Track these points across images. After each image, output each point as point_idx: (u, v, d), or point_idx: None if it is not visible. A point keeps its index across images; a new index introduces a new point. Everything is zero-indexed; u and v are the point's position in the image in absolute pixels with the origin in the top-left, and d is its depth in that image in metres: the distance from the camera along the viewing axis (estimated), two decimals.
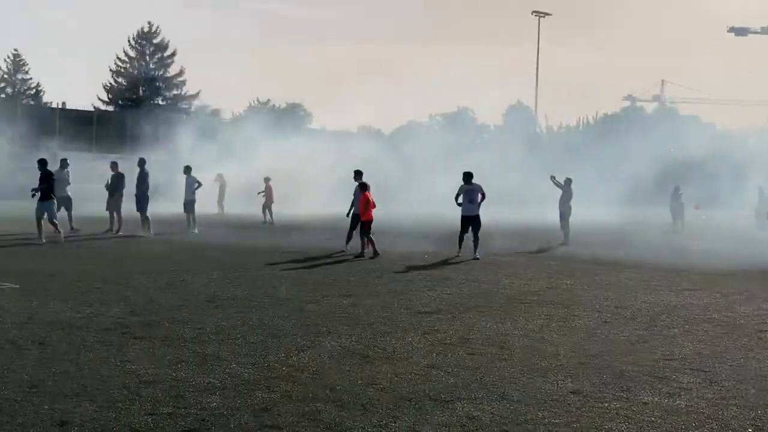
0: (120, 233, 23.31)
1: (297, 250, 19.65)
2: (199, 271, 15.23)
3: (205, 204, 29.83)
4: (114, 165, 25.39)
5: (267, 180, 32.41)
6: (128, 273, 14.57)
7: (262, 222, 30.79)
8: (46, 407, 6.16)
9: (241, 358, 8.03)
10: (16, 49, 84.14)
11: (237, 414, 6.18)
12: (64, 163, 24.91)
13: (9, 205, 32.48)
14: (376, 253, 18.46)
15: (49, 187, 20.48)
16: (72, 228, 23.59)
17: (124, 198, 24.39)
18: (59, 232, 20.31)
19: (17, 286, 12.53)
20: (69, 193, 24.19)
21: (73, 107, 64.68)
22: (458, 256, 18.87)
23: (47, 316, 10.00)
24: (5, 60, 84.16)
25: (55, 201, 20.76)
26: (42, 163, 21.03)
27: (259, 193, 32.49)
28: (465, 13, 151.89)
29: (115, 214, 23.97)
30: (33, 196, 20.86)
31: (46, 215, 20.18)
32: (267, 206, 31.86)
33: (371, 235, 18.87)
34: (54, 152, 55.03)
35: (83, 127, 58.09)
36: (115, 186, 24.48)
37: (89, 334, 9.00)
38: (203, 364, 7.75)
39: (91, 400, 6.39)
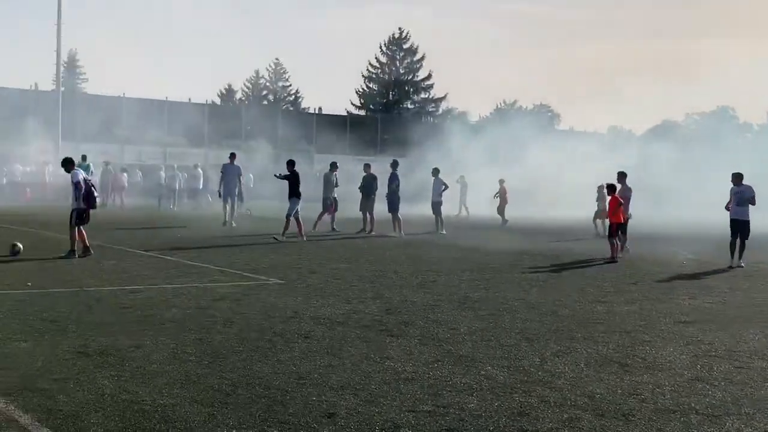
0: (372, 233, 24.14)
1: (545, 254, 19.45)
2: (449, 272, 15.46)
3: (450, 206, 30.27)
4: (367, 167, 26.35)
5: (501, 182, 32.58)
6: (382, 272, 15.05)
7: (500, 224, 30.82)
8: (314, 398, 6.45)
9: (496, 361, 8.03)
10: (277, 58, 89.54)
11: (495, 417, 6.17)
12: (333, 166, 26.18)
13: (270, 204, 34.60)
14: (614, 259, 17.97)
15: (296, 185, 21.69)
16: (333, 229, 24.81)
17: (376, 199, 25.33)
18: (301, 232, 21.33)
19: (282, 281, 13.31)
20: (335, 195, 25.48)
21: (329, 112, 67.75)
22: (732, 267, 17.36)
23: (310, 311, 10.51)
24: (267, 69, 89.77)
25: (299, 200, 21.66)
26: (290, 163, 22.14)
27: (495, 195, 32.70)
28: (719, 7, 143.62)
29: (367, 215, 24.87)
30: (279, 176, 22.53)
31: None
32: (501, 208, 31.95)
33: (616, 239, 18.38)
34: (312, 155, 57.97)
35: (338, 131, 60.55)
36: (368, 187, 25.40)
37: (349, 330, 9.36)
38: (458, 364, 7.82)
39: (354, 393, 6.63)
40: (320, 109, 71.31)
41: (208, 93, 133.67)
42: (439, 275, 14.83)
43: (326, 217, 25.37)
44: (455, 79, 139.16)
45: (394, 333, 9.22)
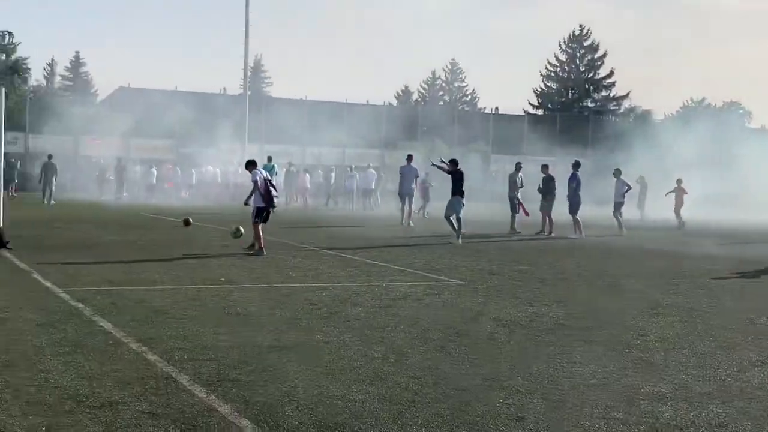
0: (552, 235, 23.79)
1: (736, 258, 18.55)
2: (633, 275, 15.01)
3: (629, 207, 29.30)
4: (545, 167, 25.99)
5: (679, 182, 31.17)
6: (563, 275, 14.81)
7: (676, 227, 29.53)
8: (501, 401, 6.40)
9: (690, 369, 7.70)
10: (453, 59, 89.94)
11: (691, 427, 5.92)
12: (518, 167, 26.09)
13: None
14: None
15: (460, 184, 21.13)
16: (512, 230, 24.66)
17: (555, 200, 24.97)
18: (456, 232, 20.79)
19: (462, 282, 13.32)
20: (519, 196, 25.36)
21: (506, 112, 67.35)
22: None
23: (492, 312, 10.44)
24: (444, 69, 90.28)
25: (462, 198, 21.04)
26: (454, 162, 21.81)
27: (668, 193, 31.37)
28: None
29: (546, 216, 24.53)
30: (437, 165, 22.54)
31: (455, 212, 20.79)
32: (677, 209, 30.62)
33: None
34: (488, 155, 57.79)
35: (515, 130, 60.14)
36: (547, 188, 25.07)
37: (533, 333, 9.22)
38: (650, 371, 7.55)
39: (543, 397, 6.53)
40: (497, 109, 71.05)
41: (385, 95, 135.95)
42: (623, 279, 14.43)
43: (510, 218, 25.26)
44: (638, 76, 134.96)
45: (580, 338, 9.01)
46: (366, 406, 6.13)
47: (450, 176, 21.57)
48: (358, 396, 6.38)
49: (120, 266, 13.90)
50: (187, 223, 18.91)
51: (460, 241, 20.35)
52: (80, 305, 9.85)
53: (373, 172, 41.37)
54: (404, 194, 26.92)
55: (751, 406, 6.51)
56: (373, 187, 39.92)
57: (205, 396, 6.22)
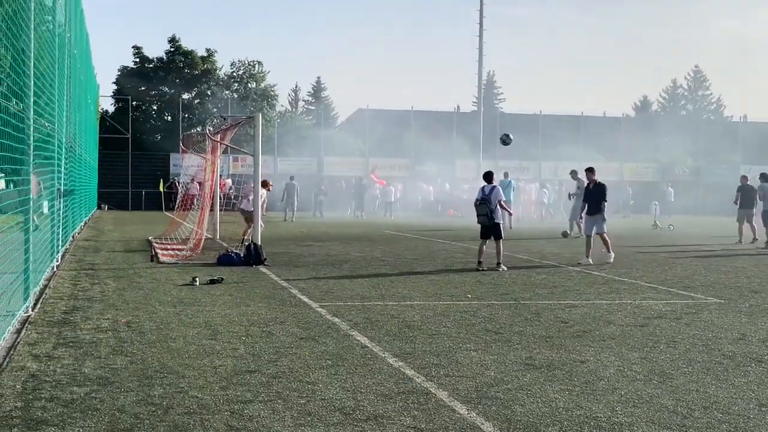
0: None
1: None
2: None
3: None
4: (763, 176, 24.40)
5: None
6: None
7: None
8: None
9: None
10: (696, 66, 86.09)
11: None
12: (764, 177, 24.61)
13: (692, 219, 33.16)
14: None
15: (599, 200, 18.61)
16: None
17: None
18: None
19: (721, 300, 12.61)
20: None
21: (756, 120, 63.41)
22: None
23: (759, 333, 9.79)
24: (686, 77, 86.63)
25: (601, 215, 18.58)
26: (589, 169, 19.46)
27: None
28: None
29: None
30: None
31: (594, 229, 18.56)
32: None
33: None
34: (738, 165, 54.71)
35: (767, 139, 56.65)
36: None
37: None
38: None
39: None
40: (745, 116, 67.03)
41: (623, 106, 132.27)
42: None
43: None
44: None
45: None
46: (633, 428, 5.89)
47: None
48: (624, 418, 6.14)
49: (369, 281, 14.33)
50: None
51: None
52: (336, 319, 10.22)
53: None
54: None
55: None
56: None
57: (466, 413, 6.21)
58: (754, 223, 24.28)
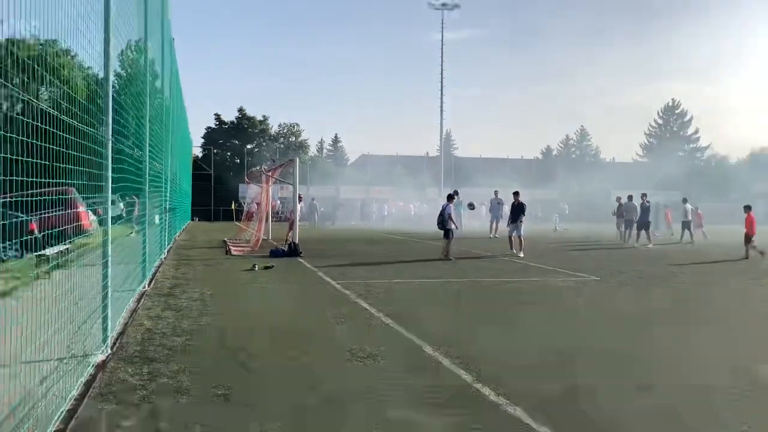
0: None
1: None
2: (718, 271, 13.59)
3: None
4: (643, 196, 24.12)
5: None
6: (673, 273, 13.63)
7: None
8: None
9: None
10: (582, 125, 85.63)
11: None
12: (630, 198, 24.41)
13: None
14: None
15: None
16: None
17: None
18: None
19: (598, 278, 12.53)
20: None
21: (621, 161, 63.53)
22: None
23: (623, 298, 9.76)
24: (575, 133, 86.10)
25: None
26: (516, 192, 19.13)
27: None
28: None
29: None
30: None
31: (515, 232, 18.01)
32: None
33: None
34: (609, 191, 54.55)
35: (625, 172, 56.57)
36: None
37: (659, 317, 8.52)
38: None
39: (669, 366, 5.97)
40: (614, 158, 66.90)
41: (534, 152, 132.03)
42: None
43: None
44: (717, 131, 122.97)
45: (696, 322, 8.20)
46: (547, 363, 5.83)
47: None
48: (540, 356, 6.08)
49: (368, 267, 14.20)
50: None
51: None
52: (347, 291, 10.12)
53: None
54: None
55: None
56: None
57: (431, 351, 6.15)
58: (622, 228, 23.89)
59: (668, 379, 5.35)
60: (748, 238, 17.58)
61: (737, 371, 5.63)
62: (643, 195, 22.92)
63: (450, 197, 17.32)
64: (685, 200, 25.10)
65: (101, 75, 5.70)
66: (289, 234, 19.33)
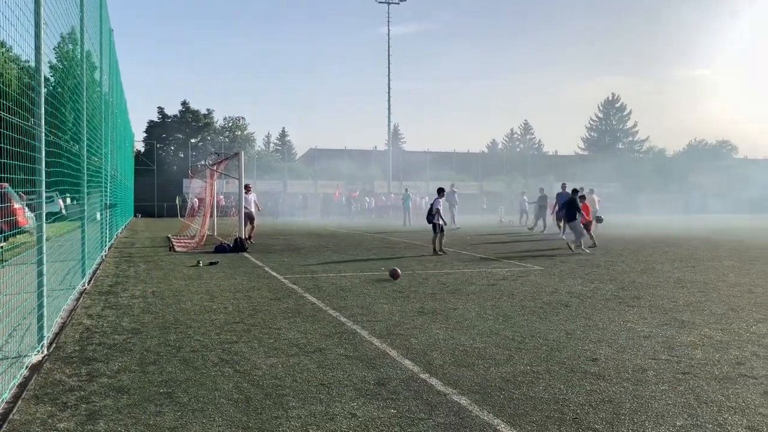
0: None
1: (732, 247, 17.19)
2: (662, 261, 14.16)
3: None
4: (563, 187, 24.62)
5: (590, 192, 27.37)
6: (613, 262, 14.11)
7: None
8: (580, 348, 6.09)
9: (711, 325, 7.18)
10: (525, 120, 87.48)
11: (718, 365, 5.50)
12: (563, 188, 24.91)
13: None
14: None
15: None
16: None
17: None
18: None
19: (542, 267, 12.87)
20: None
21: (563, 153, 65.05)
22: None
23: (566, 288, 10.08)
24: (519, 127, 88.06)
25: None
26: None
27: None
28: None
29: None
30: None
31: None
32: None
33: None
34: (552, 183, 55.98)
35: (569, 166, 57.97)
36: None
37: (596, 301, 8.82)
38: (682, 327, 7.06)
39: (608, 345, 6.18)
40: (557, 151, 68.54)
41: (480, 145, 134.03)
42: (655, 264, 13.63)
43: None
44: (656, 124, 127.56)
45: (629, 304, 8.56)
46: (486, 351, 5.98)
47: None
48: (480, 344, 6.24)
49: (316, 261, 14.17)
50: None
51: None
52: (295, 286, 10.09)
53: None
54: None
55: (761, 350, 5.99)
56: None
57: (379, 344, 6.22)
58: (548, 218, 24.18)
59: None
60: (589, 226, 17.35)
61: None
62: (564, 184, 23.50)
63: (440, 191, 16.42)
64: (591, 191, 25.59)
65: (33, 66, 5.50)
66: (247, 228, 18.87)
